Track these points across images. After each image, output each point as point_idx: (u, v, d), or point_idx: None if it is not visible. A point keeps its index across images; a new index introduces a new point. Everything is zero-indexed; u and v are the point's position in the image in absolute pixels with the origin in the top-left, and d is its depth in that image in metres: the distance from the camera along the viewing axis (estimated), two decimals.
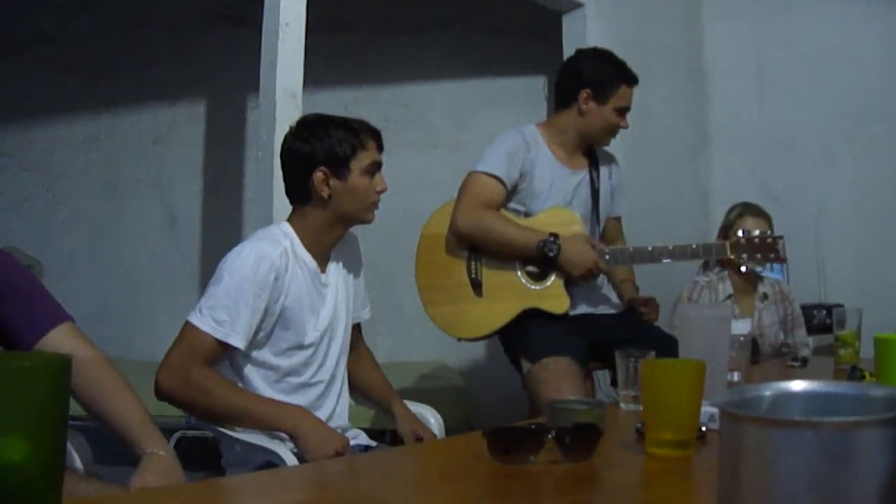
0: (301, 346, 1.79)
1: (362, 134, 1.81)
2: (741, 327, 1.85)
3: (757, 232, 2.47)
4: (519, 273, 2.42)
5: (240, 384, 1.76)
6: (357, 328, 2.04)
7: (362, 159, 1.80)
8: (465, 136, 4.20)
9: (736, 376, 1.79)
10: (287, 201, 1.88)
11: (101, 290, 4.63)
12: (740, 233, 2.48)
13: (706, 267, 3.10)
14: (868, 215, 3.74)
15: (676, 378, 1.19)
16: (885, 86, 3.71)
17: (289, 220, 1.86)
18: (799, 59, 3.94)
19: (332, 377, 1.87)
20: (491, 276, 2.43)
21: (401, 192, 3.81)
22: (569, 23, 3.59)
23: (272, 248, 1.73)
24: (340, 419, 1.88)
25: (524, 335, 2.36)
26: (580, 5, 3.54)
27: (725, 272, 2.98)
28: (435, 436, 1.93)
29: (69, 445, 1.33)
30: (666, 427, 1.16)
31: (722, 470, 0.68)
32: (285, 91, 2.52)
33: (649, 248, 2.40)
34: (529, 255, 2.38)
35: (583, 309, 2.47)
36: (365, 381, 2.04)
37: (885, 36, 3.74)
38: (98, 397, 1.35)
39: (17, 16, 4.76)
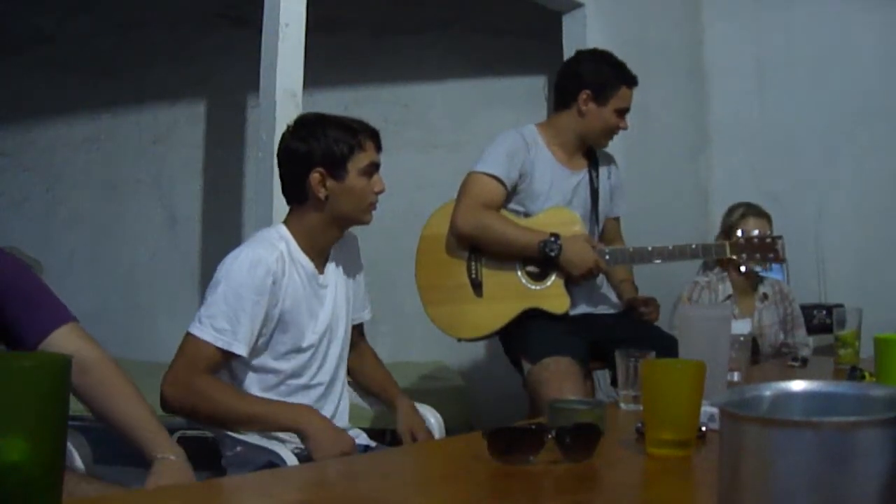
0: (299, 350, 1.79)
1: (360, 134, 1.79)
2: (741, 327, 1.85)
3: (756, 232, 2.48)
4: (519, 273, 2.42)
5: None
6: (358, 328, 2.04)
7: (360, 160, 1.78)
8: (465, 136, 4.20)
9: (736, 376, 1.79)
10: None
11: (101, 290, 4.63)
12: (739, 233, 2.49)
13: (706, 267, 3.10)
14: (868, 215, 3.74)
15: (676, 378, 1.19)
16: (885, 86, 3.71)
17: (286, 221, 1.84)
18: (799, 59, 3.94)
19: (332, 379, 1.86)
20: (491, 277, 2.43)
21: (401, 192, 3.83)
22: (569, 23, 3.59)
23: (268, 252, 1.72)
24: (341, 421, 1.87)
25: (524, 335, 2.36)
26: (580, 5, 3.54)
27: (725, 272, 2.99)
28: (432, 436, 1.92)
29: (69, 445, 1.33)
30: (666, 427, 1.16)
31: (722, 470, 0.68)
32: (285, 91, 2.52)
33: (649, 248, 2.40)
34: (530, 255, 2.38)
35: (583, 309, 2.47)
36: (368, 378, 2.04)
37: (885, 35, 3.74)
38: (101, 397, 1.35)
39: (17, 16, 4.76)
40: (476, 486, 1.08)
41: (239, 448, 1.73)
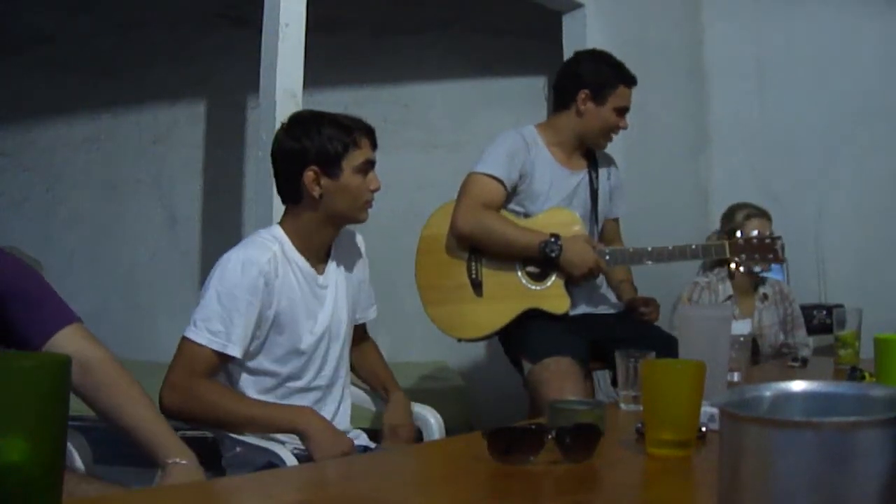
0: (297, 352, 1.77)
1: (355, 132, 1.76)
2: (741, 328, 1.85)
3: (755, 232, 2.47)
4: (519, 273, 2.42)
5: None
6: (362, 325, 2.03)
7: (355, 157, 1.76)
8: (465, 136, 4.20)
9: (736, 376, 1.78)
10: None
11: (101, 290, 4.63)
12: (738, 233, 2.48)
13: (706, 268, 3.10)
14: (868, 215, 3.74)
15: (676, 378, 1.19)
16: (885, 86, 3.71)
17: (281, 221, 1.83)
18: (799, 59, 3.94)
19: (331, 382, 1.84)
20: (491, 277, 2.43)
21: (401, 192, 3.85)
22: (569, 23, 3.59)
23: (260, 253, 1.70)
24: (342, 423, 1.86)
25: (524, 335, 2.36)
26: (580, 5, 3.54)
27: (725, 273, 2.98)
28: (413, 435, 1.89)
29: (69, 445, 1.33)
30: (666, 427, 1.16)
31: (722, 470, 0.68)
32: (285, 91, 2.52)
33: (649, 249, 2.40)
34: (530, 255, 2.38)
35: (583, 309, 2.47)
36: (368, 372, 2.03)
37: (885, 36, 3.74)
38: (106, 398, 1.34)
39: (17, 16, 4.76)
40: (476, 486, 1.08)
41: (239, 449, 1.72)
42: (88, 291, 4.46)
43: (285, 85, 2.53)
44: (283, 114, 2.45)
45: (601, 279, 2.54)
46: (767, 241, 2.39)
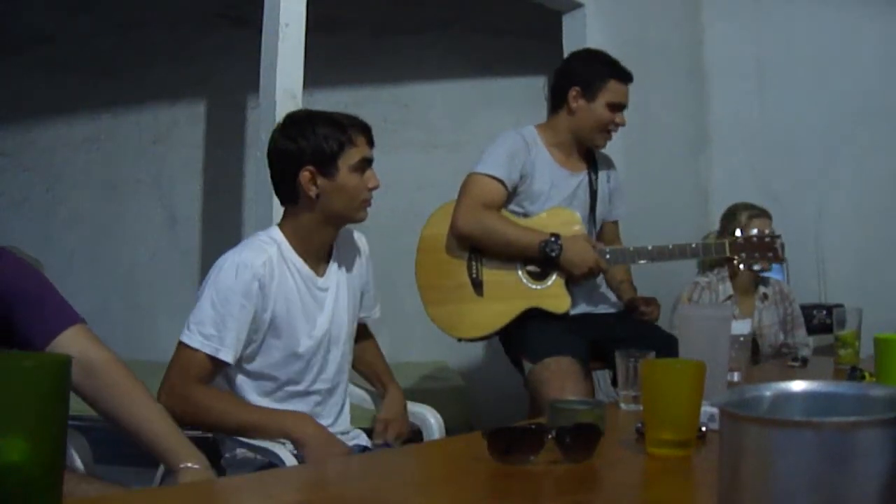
0: (295, 356, 1.75)
1: (350, 130, 1.74)
2: (741, 327, 1.84)
3: (755, 231, 2.47)
4: (519, 273, 2.42)
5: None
6: (364, 324, 2.02)
7: (351, 156, 1.73)
8: (465, 136, 4.20)
9: (736, 376, 1.78)
10: None
11: (101, 290, 4.63)
12: (738, 232, 2.48)
13: (705, 267, 3.10)
14: (868, 215, 3.74)
15: (676, 378, 1.19)
16: (885, 86, 3.71)
17: (280, 222, 1.81)
18: (799, 59, 3.94)
19: (332, 387, 1.82)
20: (491, 276, 2.42)
21: (401, 192, 3.85)
22: (569, 23, 3.59)
23: (255, 256, 1.69)
24: (343, 425, 1.85)
25: (525, 335, 2.36)
26: (580, 5, 3.54)
27: (725, 273, 2.99)
28: (405, 431, 1.88)
29: (69, 445, 1.33)
30: (666, 427, 1.16)
31: (722, 470, 0.68)
32: (285, 91, 2.52)
33: (649, 248, 2.40)
34: (531, 255, 2.37)
35: (583, 308, 2.47)
36: (366, 366, 2.02)
37: (885, 36, 3.74)
38: (110, 399, 1.33)
39: (17, 16, 4.76)
40: (476, 486, 1.08)
41: (238, 449, 1.72)
42: (88, 291, 4.46)
43: (285, 85, 2.53)
44: (282, 114, 2.44)
45: (601, 279, 2.54)
46: (767, 239, 2.39)
